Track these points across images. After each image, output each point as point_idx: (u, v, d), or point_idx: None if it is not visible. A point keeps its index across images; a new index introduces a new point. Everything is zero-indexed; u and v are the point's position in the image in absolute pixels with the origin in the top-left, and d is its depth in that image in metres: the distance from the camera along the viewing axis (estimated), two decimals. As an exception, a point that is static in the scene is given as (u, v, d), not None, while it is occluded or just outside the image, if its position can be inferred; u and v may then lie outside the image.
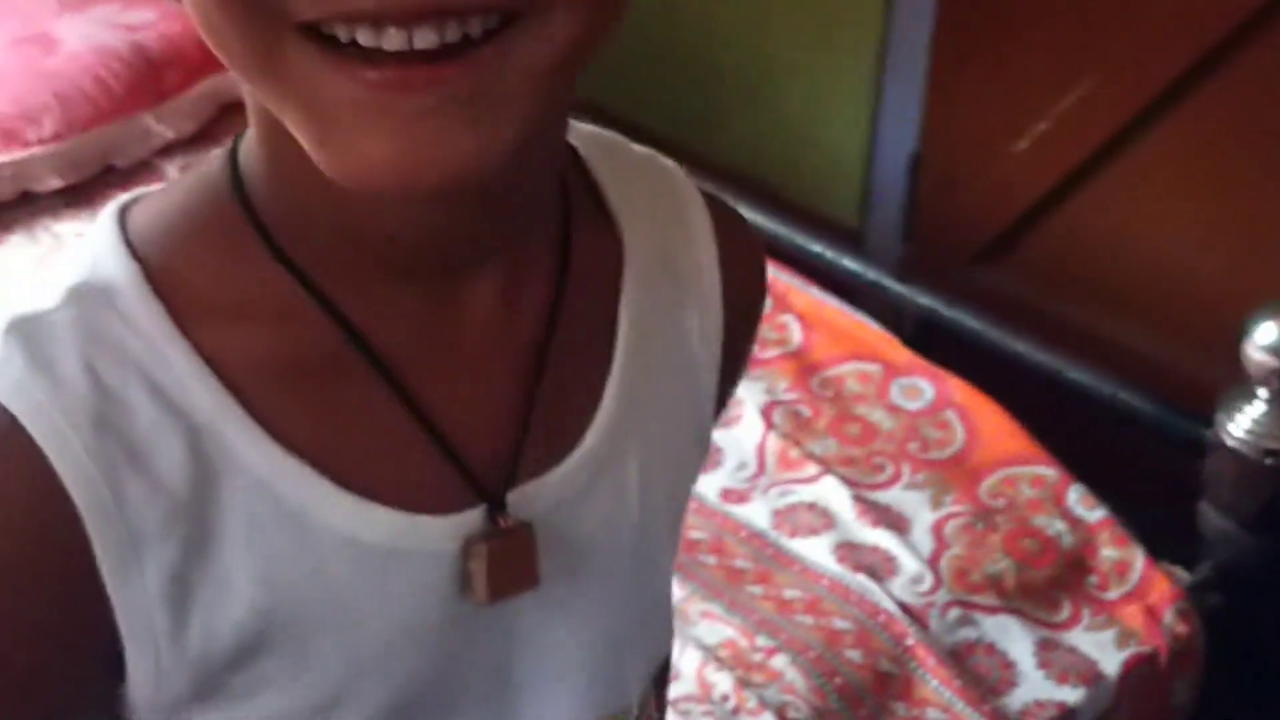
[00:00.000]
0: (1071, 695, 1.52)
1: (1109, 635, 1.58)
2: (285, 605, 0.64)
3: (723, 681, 1.47)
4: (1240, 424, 1.58)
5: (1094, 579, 1.63)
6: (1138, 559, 1.63)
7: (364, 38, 0.54)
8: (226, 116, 2.25)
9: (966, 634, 1.57)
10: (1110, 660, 1.56)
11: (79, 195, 2.11)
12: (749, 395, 1.79)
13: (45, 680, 0.63)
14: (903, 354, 1.85)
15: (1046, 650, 1.56)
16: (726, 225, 0.76)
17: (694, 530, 1.66)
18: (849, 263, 2.00)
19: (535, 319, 0.68)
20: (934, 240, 2.60)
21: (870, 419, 1.79)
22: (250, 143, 0.65)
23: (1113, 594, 1.62)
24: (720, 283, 0.75)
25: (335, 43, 0.55)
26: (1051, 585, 1.62)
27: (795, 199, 2.73)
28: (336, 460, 0.64)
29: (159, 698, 0.64)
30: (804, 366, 1.85)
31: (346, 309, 0.64)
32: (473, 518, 0.66)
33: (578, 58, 0.58)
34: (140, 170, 2.17)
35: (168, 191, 0.67)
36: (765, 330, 1.89)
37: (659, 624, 0.78)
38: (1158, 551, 1.65)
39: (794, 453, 1.73)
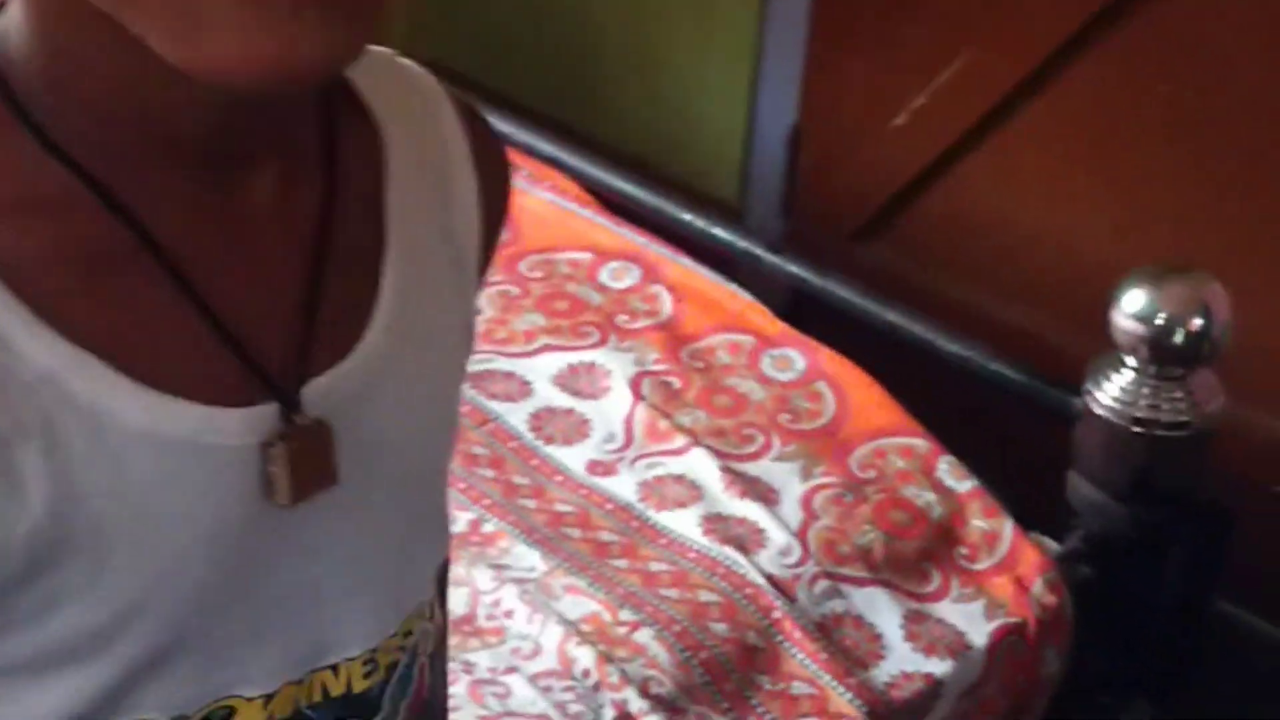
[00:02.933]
0: (939, 667, 1.51)
1: (977, 606, 1.56)
2: (83, 508, 0.61)
3: (584, 657, 1.43)
4: (1108, 393, 1.57)
5: (963, 550, 1.61)
6: (1007, 529, 1.62)
7: None
8: None
9: (834, 606, 1.55)
10: (978, 631, 1.54)
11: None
12: (618, 366, 1.76)
13: None
14: (775, 325, 1.83)
15: (914, 622, 1.54)
16: (473, 122, 0.77)
17: (559, 503, 1.62)
18: (721, 232, 1.97)
19: (310, 215, 0.67)
20: (813, 216, 2.58)
21: (740, 390, 1.76)
22: (9, 27, 0.62)
23: (982, 565, 1.60)
24: (475, 178, 0.75)
25: None
26: (920, 556, 1.60)
27: (675, 175, 2.70)
28: (127, 354, 0.62)
29: None
30: (674, 338, 1.82)
31: (125, 200, 0.62)
32: (268, 413, 0.65)
33: None
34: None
35: None
36: (635, 301, 1.87)
37: (443, 520, 0.78)
38: (1028, 522, 1.63)
39: (663, 424, 1.70)
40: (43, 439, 0.60)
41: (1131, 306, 1.54)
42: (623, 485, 1.64)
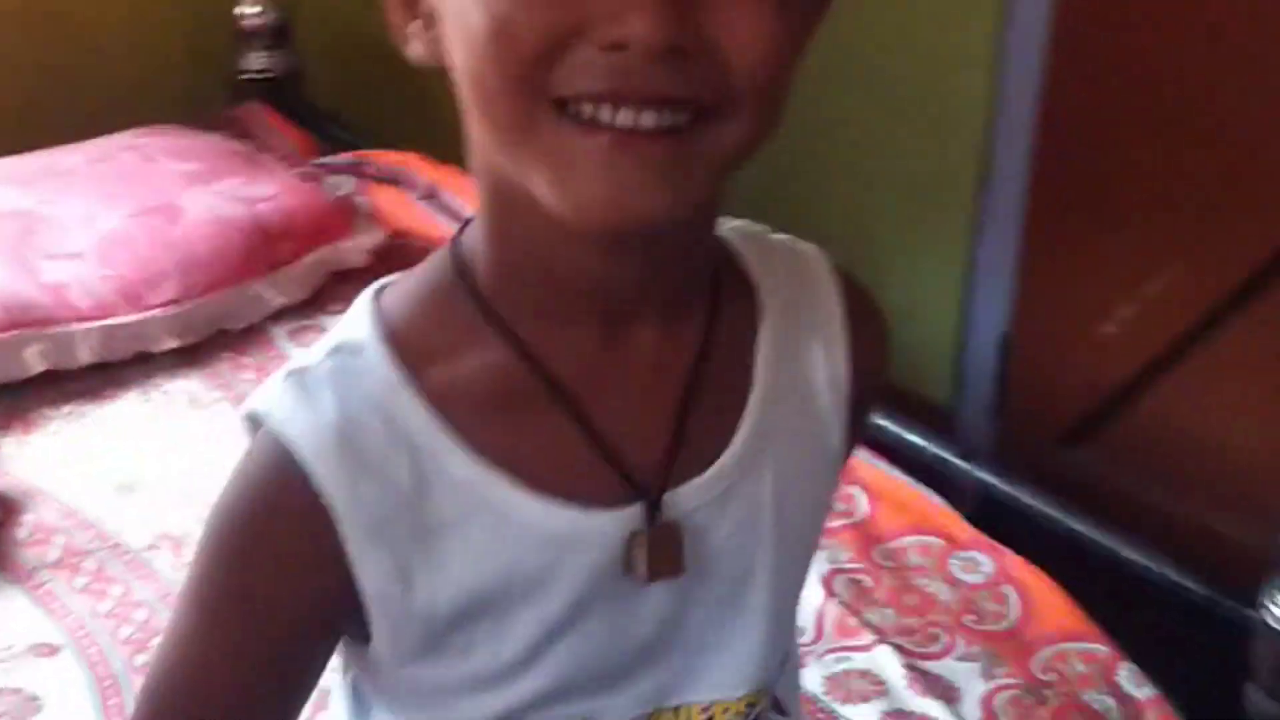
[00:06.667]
0: None
1: (1150, 811, 1.60)
2: (489, 583, 0.84)
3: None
4: (1282, 607, 1.61)
5: (1138, 755, 1.65)
6: (1184, 737, 1.66)
7: (604, 115, 0.74)
8: (334, 284, 2.37)
9: (1008, 803, 1.60)
10: (1149, 836, 1.58)
11: (192, 356, 2.23)
12: (812, 564, 1.85)
13: (305, 628, 0.85)
14: (964, 529, 1.90)
15: (1088, 823, 1.59)
16: (854, 293, 0.96)
17: (749, 693, 1.71)
18: (916, 438, 2.06)
19: (687, 357, 0.87)
20: (1022, 420, 2.65)
21: (928, 590, 1.84)
22: (472, 233, 0.86)
23: (1157, 770, 1.64)
24: (846, 340, 0.94)
25: (579, 117, 0.74)
26: (1096, 759, 1.65)
27: (890, 379, 2.79)
28: (526, 469, 0.84)
29: (395, 650, 0.85)
30: (867, 537, 1.90)
31: (536, 352, 0.84)
32: (633, 514, 0.86)
33: (746, 152, 0.78)
34: (252, 333, 2.29)
35: (408, 275, 0.90)
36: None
37: (789, 620, 0.99)
38: (1206, 730, 1.67)
39: (852, 621, 1.78)
40: (459, 531, 0.83)
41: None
42: (810, 677, 1.73)
